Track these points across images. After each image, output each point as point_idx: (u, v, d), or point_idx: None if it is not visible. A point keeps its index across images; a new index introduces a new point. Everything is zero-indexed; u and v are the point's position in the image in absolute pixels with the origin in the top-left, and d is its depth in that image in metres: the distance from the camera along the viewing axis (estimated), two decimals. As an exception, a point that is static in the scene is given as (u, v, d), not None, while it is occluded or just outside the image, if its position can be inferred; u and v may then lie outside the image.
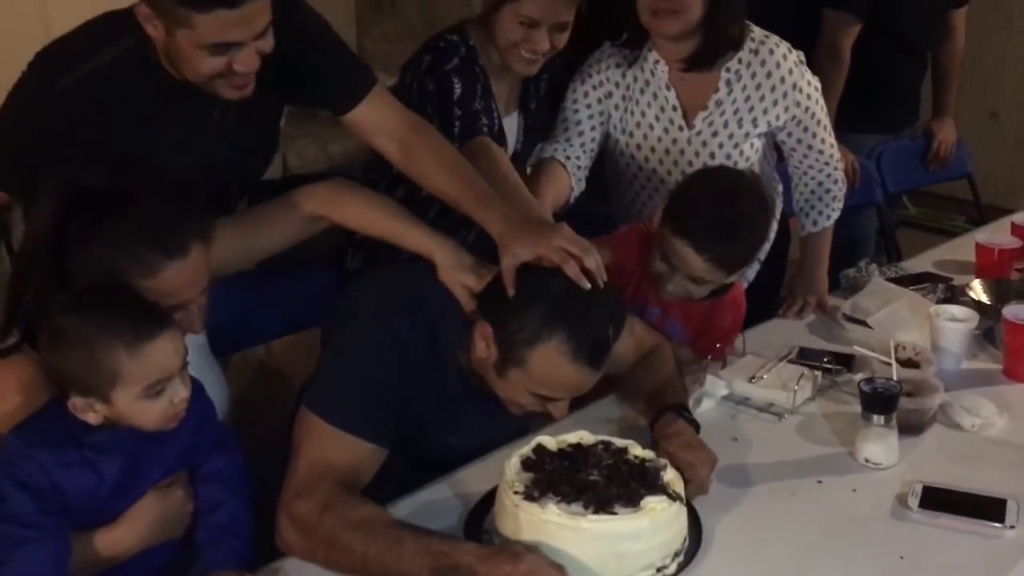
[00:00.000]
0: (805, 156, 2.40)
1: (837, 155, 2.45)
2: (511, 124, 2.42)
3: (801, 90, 2.31)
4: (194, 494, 1.56)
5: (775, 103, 2.30)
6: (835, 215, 2.49)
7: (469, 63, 2.28)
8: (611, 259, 1.94)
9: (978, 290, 2.41)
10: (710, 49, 2.28)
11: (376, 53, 3.75)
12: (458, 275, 1.71)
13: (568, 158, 2.33)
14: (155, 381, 1.43)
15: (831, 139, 2.43)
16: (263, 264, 1.90)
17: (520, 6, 2.19)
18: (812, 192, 2.45)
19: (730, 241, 1.96)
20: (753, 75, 2.29)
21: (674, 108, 2.33)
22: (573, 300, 1.60)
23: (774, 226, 2.21)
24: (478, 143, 2.18)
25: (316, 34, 1.96)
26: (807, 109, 2.33)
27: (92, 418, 1.44)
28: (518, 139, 2.45)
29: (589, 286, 1.60)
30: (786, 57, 2.29)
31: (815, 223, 2.47)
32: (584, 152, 2.35)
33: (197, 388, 1.55)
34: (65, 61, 1.78)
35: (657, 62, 2.33)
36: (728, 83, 2.30)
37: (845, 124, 3.04)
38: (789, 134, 2.37)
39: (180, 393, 1.47)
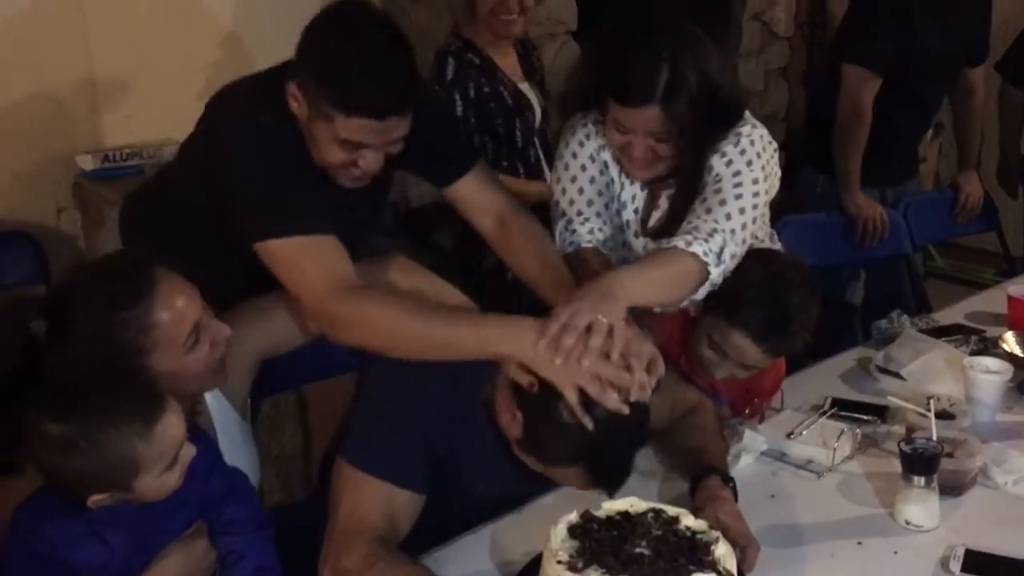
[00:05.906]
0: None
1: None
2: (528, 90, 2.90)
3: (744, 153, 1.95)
4: (215, 545, 1.53)
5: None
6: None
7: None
8: (661, 340, 1.82)
9: (1011, 342, 2.38)
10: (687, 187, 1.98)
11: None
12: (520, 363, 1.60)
13: (603, 241, 2.05)
14: (171, 455, 1.43)
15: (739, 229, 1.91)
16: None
17: None
18: None
19: (787, 331, 1.92)
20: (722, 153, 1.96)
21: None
22: (603, 441, 1.53)
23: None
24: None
25: (432, 106, 1.99)
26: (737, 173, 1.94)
27: (108, 501, 1.42)
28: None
29: (628, 412, 1.53)
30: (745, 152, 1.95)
31: None
32: (606, 224, 2.07)
33: (200, 441, 1.53)
34: (253, 104, 1.81)
35: None
36: None
37: None
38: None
39: (190, 453, 1.47)
